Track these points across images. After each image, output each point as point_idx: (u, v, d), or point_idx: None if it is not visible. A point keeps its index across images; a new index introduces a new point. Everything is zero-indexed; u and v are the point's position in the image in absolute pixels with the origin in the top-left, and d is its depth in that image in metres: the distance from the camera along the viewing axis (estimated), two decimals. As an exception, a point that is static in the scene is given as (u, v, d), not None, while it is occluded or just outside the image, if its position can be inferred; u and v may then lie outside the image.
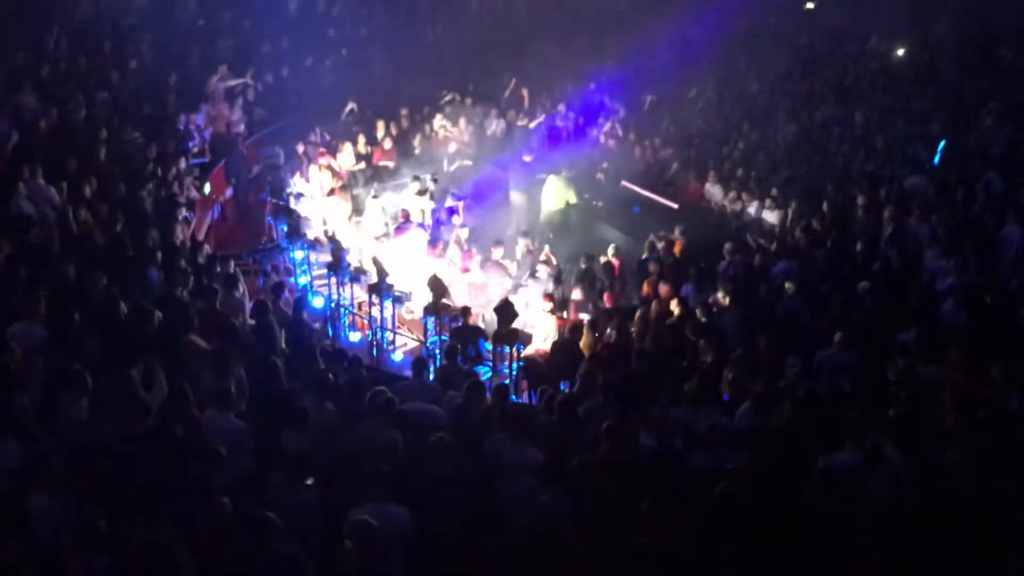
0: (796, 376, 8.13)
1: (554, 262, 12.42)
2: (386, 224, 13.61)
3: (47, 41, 14.01)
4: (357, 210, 14.28)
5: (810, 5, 20.70)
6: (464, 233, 13.34)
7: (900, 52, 19.11)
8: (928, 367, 8.01)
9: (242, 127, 15.75)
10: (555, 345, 10.26)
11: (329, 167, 14.96)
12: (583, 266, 12.02)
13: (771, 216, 13.16)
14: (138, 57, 15.45)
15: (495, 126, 16.93)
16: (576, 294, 11.71)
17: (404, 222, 13.19)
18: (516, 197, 14.78)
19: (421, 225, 13.26)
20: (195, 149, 14.45)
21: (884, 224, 11.68)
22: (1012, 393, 7.39)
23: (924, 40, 18.90)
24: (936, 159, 13.51)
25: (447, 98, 17.72)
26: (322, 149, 15.40)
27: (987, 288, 9.72)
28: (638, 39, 17.60)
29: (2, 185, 10.06)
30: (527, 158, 15.09)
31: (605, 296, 11.67)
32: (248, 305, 10.03)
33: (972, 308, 9.16)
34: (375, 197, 14.04)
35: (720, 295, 10.28)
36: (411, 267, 12.55)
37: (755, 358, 8.62)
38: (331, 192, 14.37)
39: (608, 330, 10.15)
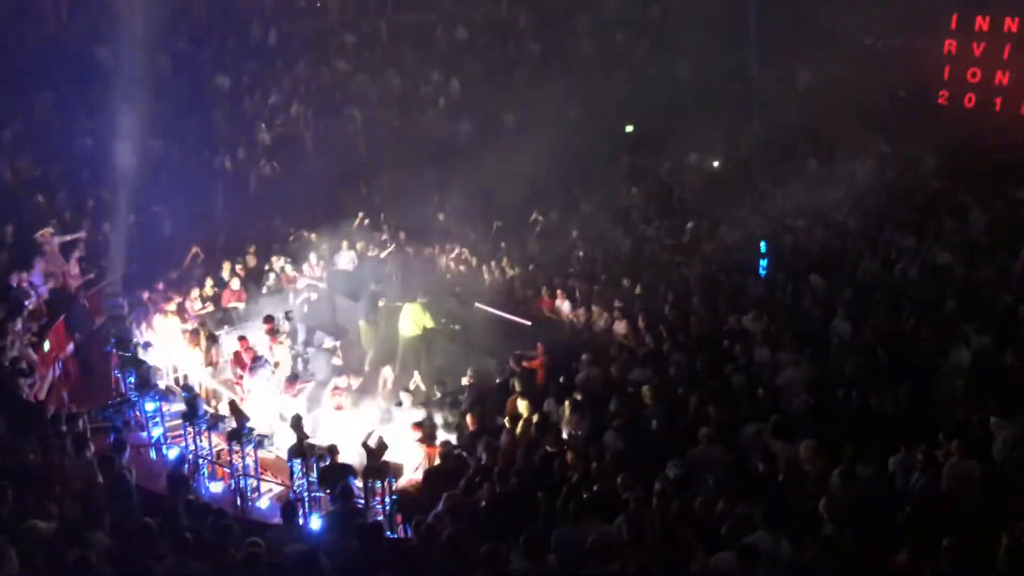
0: (675, 478, 8.41)
1: (423, 389, 12.53)
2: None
3: None
4: (210, 357, 14.02)
5: (629, 128, 22.29)
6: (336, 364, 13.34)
7: (716, 164, 20.82)
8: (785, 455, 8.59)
9: (78, 280, 15.27)
10: (427, 473, 10.28)
11: (177, 313, 14.67)
12: (439, 393, 12.20)
13: (620, 326, 13.77)
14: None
15: (346, 258, 17.12)
16: (439, 418, 11.83)
17: (256, 360, 13.06)
18: (364, 327, 14.90)
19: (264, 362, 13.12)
20: (30, 306, 13.83)
21: (725, 324, 12.52)
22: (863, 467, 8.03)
23: (736, 152, 20.68)
24: (763, 263, 14.64)
25: (293, 236, 17.88)
26: (169, 296, 15.08)
27: (822, 377, 10.55)
28: (475, 169, 18.51)
29: None
30: (373, 287, 15.30)
31: (469, 418, 11.80)
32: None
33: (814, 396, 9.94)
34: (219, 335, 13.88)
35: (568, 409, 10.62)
36: (267, 406, 12.39)
37: (624, 465, 8.91)
38: (182, 339, 14.07)
39: (479, 451, 10.27)
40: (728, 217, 17.06)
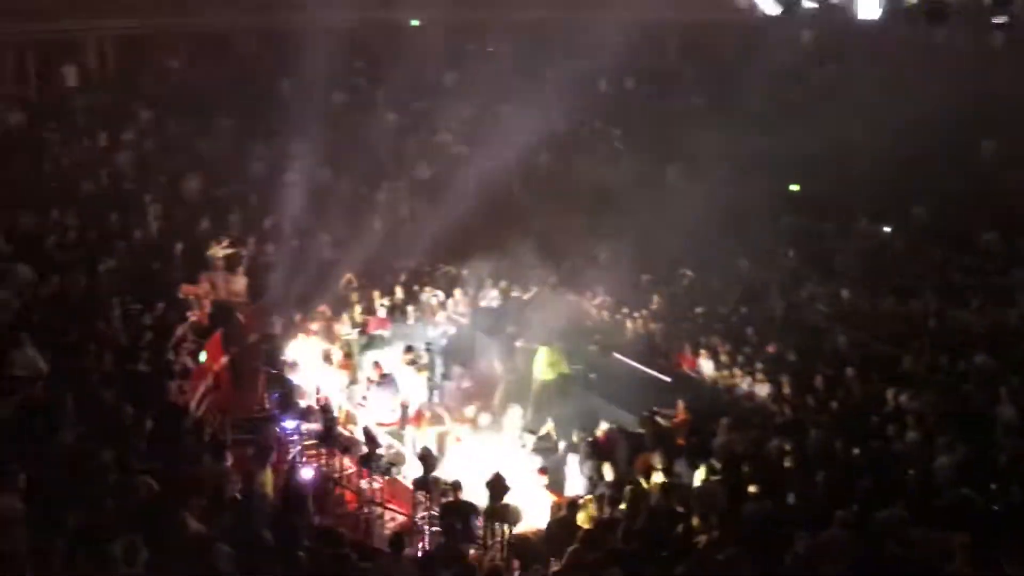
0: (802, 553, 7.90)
1: (553, 436, 12.36)
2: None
3: (53, 212, 14.54)
4: (353, 380, 14.40)
5: (795, 187, 21.48)
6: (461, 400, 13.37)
7: (886, 229, 19.70)
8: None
9: (240, 297, 16.06)
10: (551, 523, 10.05)
11: (324, 335, 15.15)
12: (576, 439, 11.93)
13: (762, 390, 13.19)
14: (144, 228, 15.94)
15: (490, 297, 17.26)
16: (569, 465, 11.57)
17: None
18: (498, 367, 14.90)
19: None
20: (193, 317, 14.62)
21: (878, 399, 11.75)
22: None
23: (907, 221, 19.55)
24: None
25: (443, 270, 18.21)
26: (318, 318, 15.61)
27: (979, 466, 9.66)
28: (630, 218, 18.31)
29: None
30: (510, 329, 15.32)
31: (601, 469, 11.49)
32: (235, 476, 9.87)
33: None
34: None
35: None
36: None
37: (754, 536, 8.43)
38: (327, 361, 14.51)
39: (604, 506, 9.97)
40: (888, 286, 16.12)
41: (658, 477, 10.27)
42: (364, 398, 13.75)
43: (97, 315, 12.17)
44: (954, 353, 12.95)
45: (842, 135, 21.51)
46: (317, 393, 14.11)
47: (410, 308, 16.58)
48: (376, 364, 14.00)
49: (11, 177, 17.18)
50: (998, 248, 17.53)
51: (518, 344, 15.20)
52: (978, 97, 19.83)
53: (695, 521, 8.85)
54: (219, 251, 16.33)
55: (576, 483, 11.28)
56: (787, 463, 9.94)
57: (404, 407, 13.39)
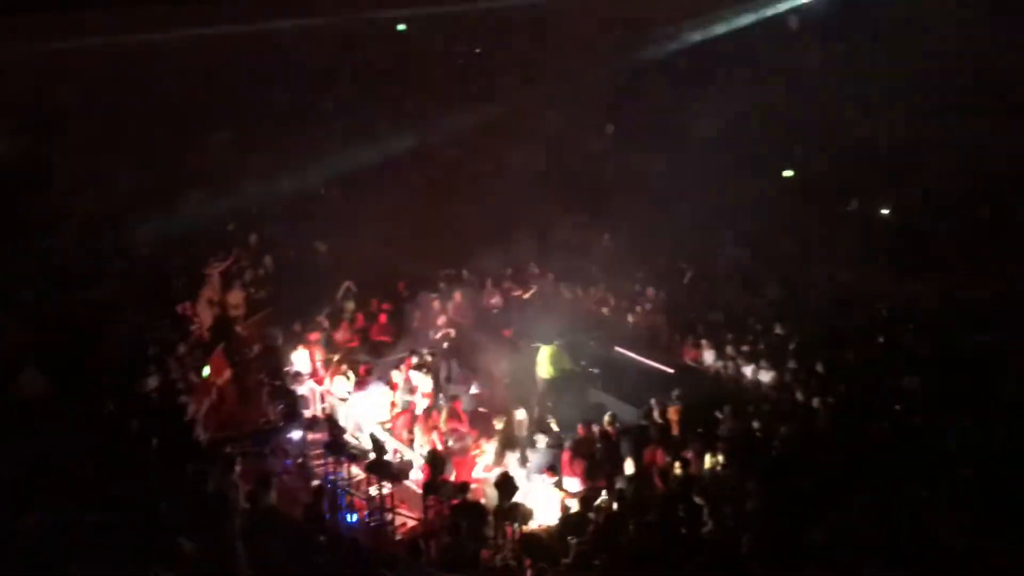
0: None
1: (556, 432, 12.37)
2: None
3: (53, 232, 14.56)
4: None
5: (788, 173, 21.50)
6: (466, 403, 13.35)
7: (883, 211, 19.73)
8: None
9: (242, 309, 16.07)
10: (563, 519, 10.09)
11: (325, 345, 15.16)
12: (581, 434, 11.95)
13: (766, 377, 13.21)
14: (140, 247, 15.96)
15: (492, 298, 17.29)
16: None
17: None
18: (501, 367, 14.92)
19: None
20: (195, 333, 14.64)
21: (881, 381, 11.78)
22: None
23: (906, 201, 19.58)
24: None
25: (443, 273, 18.22)
26: (318, 328, 15.61)
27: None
28: (627, 213, 18.35)
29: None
30: (512, 329, 15.35)
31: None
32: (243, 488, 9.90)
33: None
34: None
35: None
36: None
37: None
38: (329, 370, 14.52)
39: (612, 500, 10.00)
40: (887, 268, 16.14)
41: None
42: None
43: (100, 334, 12.16)
44: (956, 332, 12.95)
45: (833, 118, 21.58)
46: (322, 402, 14.16)
47: (413, 313, 16.57)
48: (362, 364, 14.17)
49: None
50: (991, 224, 17.54)
51: (520, 343, 15.24)
52: (966, 75, 19.83)
53: (706, 511, 8.88)
54: (216, 265, 16.34)
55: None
56: (794, 448, 9.94)
57: (412, 410, 13.40)
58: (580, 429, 11.98)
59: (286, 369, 14.39)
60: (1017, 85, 19.15)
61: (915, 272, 15.90)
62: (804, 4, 19.51)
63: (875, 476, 9.08)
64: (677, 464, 10.33)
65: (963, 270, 15.52)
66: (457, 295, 17.06)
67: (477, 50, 26.54)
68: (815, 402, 11.54)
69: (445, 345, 15.74)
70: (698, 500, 9.24)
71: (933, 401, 10.82)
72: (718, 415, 11.72)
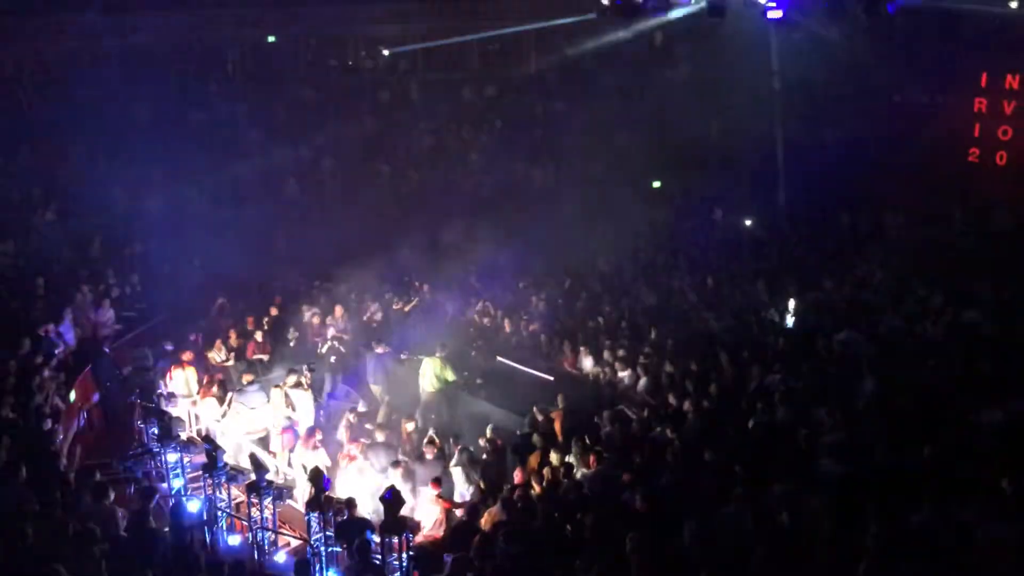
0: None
1: (437, 443, 12.41)
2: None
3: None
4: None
5: (657, 184, 22.31)
6: (353, 418, 13.21)
7: (748, 223, 20.66)
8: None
9: (108, 330, 15.47)
10: (454, 529, 10.15)
11: (196, 364, 14.74)
12: (460, 447, 12.05)
13: (642, 382, 13.62)
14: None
15: (371, 311, 17.20)
16: (457, 474, 11.67)
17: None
18: (382, 381, 14.88)
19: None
20: (59, 356, 14.00)
21: (750, 380, 12.34)
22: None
23: (767, 210, 20.58)
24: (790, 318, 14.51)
25: (317, 288, 18.00)
26: (191, 347, 15.16)
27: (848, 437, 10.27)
28: (503, 224, 18.61)
29: None
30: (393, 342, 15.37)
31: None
32: (120, 514, 9.55)
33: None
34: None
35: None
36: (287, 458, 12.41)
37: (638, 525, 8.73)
38: (202, 390, 14.13)
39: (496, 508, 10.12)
40: (755, 272, 16.95)
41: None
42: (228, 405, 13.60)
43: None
44: (816, 331, 13.69)
45: (699, 132, 22.51)
46: (196, 423, 13.76)
47: (290, 329, 16.32)
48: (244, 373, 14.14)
49: None
50: (852, 229, 18.67)
51: (402, 356, 15.23)
52: (830, 86, 21.08)
53: (587, 515, 9.11)
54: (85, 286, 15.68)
55: (464, 491, 11.40)
56: (670, 448, 10.31)
57: (293, 429, 13.20)
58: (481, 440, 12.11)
59: (159, 390, 13.90)
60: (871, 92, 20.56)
61: (779, 277, 16.73)
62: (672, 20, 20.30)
63: (744, 471, 9.52)
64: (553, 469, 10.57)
65: (825, 275, 16.42)
66: (338, 309, 16.89)
67: (350, 63, 26.46)
68: (686, 404, 11.97)
69: (332, 359, 15.56)
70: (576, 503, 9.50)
71: (796, 398, 11.40)
72: (597, 420, 12.01)
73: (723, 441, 10.50)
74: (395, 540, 9.97)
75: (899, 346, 12.85)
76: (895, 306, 14.43)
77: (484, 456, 11.87)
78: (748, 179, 21.20)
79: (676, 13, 18.98)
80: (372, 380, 15.00)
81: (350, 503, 10.31)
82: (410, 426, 12.99)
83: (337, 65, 26.28)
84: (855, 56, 20.13)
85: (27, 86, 22.13)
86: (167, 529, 9.69)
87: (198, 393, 14.19)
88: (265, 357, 15.63)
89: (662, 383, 13.14)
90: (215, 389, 13.94)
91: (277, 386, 13.88)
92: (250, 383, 14.04)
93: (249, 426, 13.37)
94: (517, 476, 11.11)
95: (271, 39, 25.00)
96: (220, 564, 8.66)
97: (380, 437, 12.59)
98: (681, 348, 14.11)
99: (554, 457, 10.83)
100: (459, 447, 12.08)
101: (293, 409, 13.49)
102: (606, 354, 14.48)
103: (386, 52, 24.44)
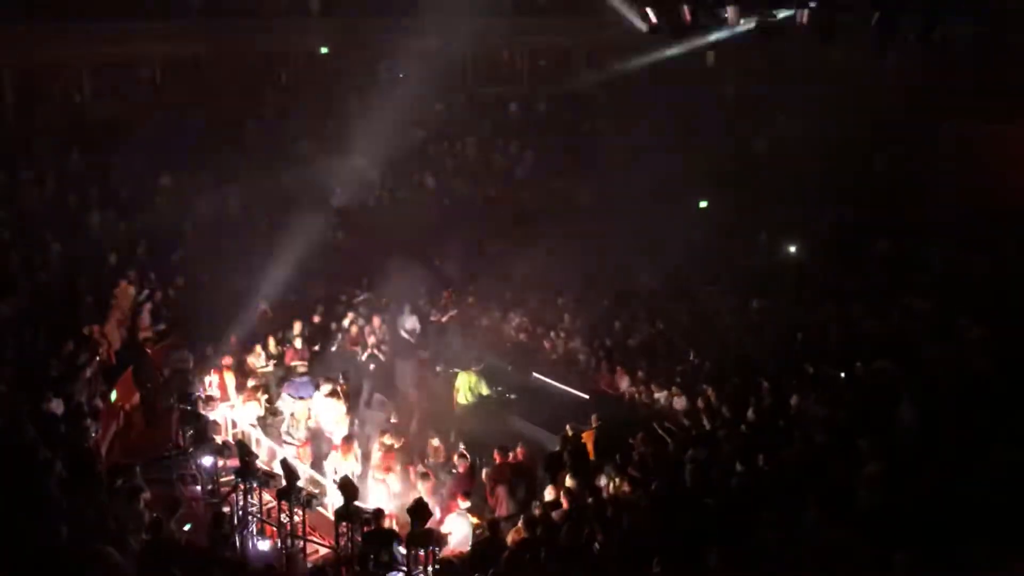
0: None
1: (468, 459, 12.38)
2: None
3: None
4: (271, 412, 14.20)
5: (703, 204, 22.07)
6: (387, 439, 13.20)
7: (792, 249, 20.32)
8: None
9: (151, 332, 15.71)
10: (476, 545, 10.09)
11: (237, 369, 14.90)
12: (497, 460, 11.99)
13: (679, 403, 13.48)
14: (47, 267, 15.50)
15: (409, 323, 17.26)
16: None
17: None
18: (414, 394, 14.89)
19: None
20: (102, 357, 14.23)
21: (791, 407, 12.12)
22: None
23: (806, 236, 20.25)
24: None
25: (361, 297, 18.11)
26: (230, 351, 15.32)
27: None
28: (546, 240, 18.57)
29: None
30: (429, 354, 15.36)
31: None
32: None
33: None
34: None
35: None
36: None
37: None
38: (246, 393, 14.29)
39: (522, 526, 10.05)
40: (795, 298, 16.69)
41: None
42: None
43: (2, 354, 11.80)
44: (855, 359, 13.41)
45: (746, 152, 22.29)
46: (232, 428, 13.90)
47: (329, 337, 16.43)
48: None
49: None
50: (892, 255, 18.29)
51: (438, 369, 15.26)
52: (870, 112, 20.74)
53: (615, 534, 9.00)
54: (127, 287, 15.95)
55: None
56: (703, 472, 10.15)
57: (328, 439, 13.29)
58: (496, 456, 12.04)
59: (196, 394, 14.08)
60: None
61: (821, 301, 16.45)
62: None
63: (781, 497, 9.33)
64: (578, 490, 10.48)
65: (866, 300, 16.11)
66: (376, 319, 16.98)
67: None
68: (723, 428, 11.80)
69: (371, 367, 15.63)
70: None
71: (836, 425, 11.16)
72: (631, 440, 11.89)
73: (757, 465, 10.33)
74: (420, 552, 9.96)
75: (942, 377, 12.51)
76: (940, 336, 14.07)
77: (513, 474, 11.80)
78: (796, 202, 20.89)
79: (725, 32, 18.77)
80: (411, 386, 15.05)
81: (378, 514, 10.31)
82: (435, 442, 12.98)
83: (388, 77, 26.48)
84: (908, 79, 19.81)
85: (84, 88, 22.65)
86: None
87: (239, 397, 14.36)
88: (303, 364, 15.73)
89: (698, 406, 12.97)
90: (259, 393, 14.13)
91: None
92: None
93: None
94: (549, 493, 11.04)
95: (324, 50, 25.28)
96: (247, 568, 8.69)
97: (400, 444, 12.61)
98: (719, 371, 13.92)
99: (569, 481, 10.72)
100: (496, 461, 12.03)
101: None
102: (642, 374, 14.35)
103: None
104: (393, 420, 13.92)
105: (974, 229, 18.35)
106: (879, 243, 18.99)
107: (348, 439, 13.08)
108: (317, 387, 14.03)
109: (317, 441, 13.50)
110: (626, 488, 10.49)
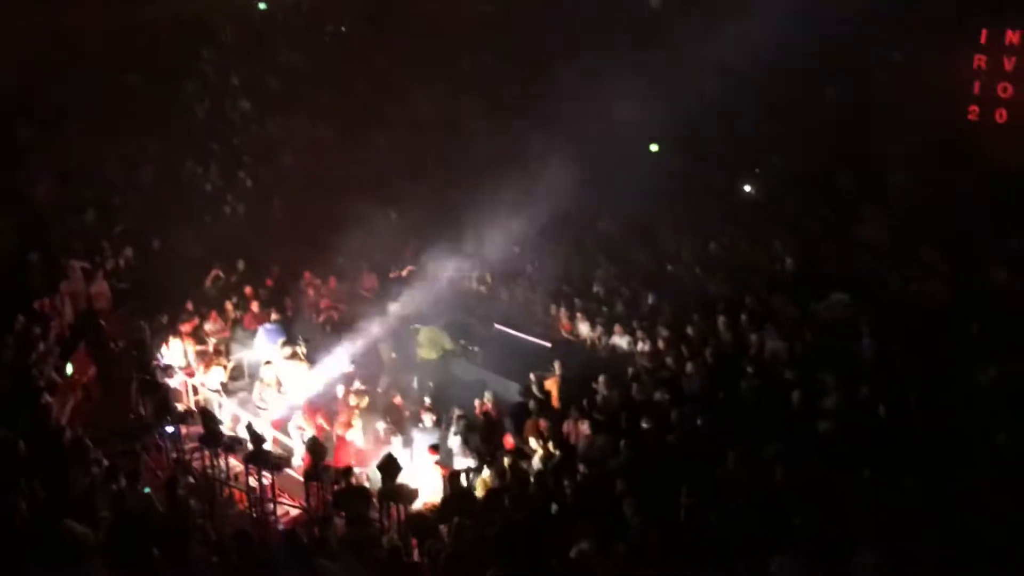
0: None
1: (435, 411, 12.42)
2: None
3: None
4: (232, 377, 14.10)
5: (654, 147, 22.00)
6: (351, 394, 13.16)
7: (747, 188, 20.39)
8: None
9: (103, 303, 15.40)
10: (445, 498, 10.17)
11: (194, 335, 14.71)
12: (458, 415, 12.04)
13: (641, 346, 13.57)
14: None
15: (367, 281, 17.13)
16: (454, 441, 11.68)
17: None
18: (384, 349, 14.83)
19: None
20: (55, 330, 13.94)
21: (750, 346, 12.26)
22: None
23: (766, 175, 20.32)
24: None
25: (315, 257, 17.89)
26: (188, 318, 15.11)
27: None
28: (499, 190, 18.40)
29: None
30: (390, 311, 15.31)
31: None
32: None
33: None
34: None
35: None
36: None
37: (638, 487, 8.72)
38: (201, 361, 14.14)
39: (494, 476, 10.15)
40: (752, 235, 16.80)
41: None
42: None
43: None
44: (813, 295, 13.55)
45: (695, 91, 22.16)
46: (194, 395, 13.77)
47: (289, 299, 16.26)
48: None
49: None
50: (851, 189, 18.44)
51: (399, 325, 15.19)
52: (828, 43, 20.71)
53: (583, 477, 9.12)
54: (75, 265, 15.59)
55: (464, 457, 11.42)
56: (669, 412, 10.27)
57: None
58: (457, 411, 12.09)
59: (155, 363, 13.90)
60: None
61: (778, 243, 16.57)
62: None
63: (745, 433, 9.49)
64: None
65: (825, 241, 16.26)
66: (331, 279, 16.81)
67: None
68: (687, 367, 11.92)
69: (328, 328, 15.52)
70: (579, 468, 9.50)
71: (797, 362, 11.33)
72: (594, 385, 11.98)
73: (719, 403, 10.49)
74: (392, 507, 10.03)
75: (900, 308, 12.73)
76: (897, 269, 14.27)
77: (481, 424, 11.88)
78: (748, 141, 20.92)
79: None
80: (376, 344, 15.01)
81: (347, 472, 10.33)
82: (397, 398, 12.99)
83: (332, 30, 25.95)
84: (852, 13, 19.77)
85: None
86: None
87: (199, 364, 14.21)
88: (263, 328, 15.52)
89: (660, 348, 13.07)
90: (221, 358, 14.01)
91: (267, 362, 13.90)
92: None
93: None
94: (508, 442, 11.14)
95: (262, 6, 24.68)
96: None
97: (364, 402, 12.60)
98: (678, 313, 14.01)
99: (540, 426, 10.80)
100: (457, 414, 12.10)
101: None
102: (600, 320, 14.42)
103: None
104: (357, 383, 13.87)
105: (925, 161, 18.56)
106: (838, 177, 19.12)
107: (311, 401, 13.07)
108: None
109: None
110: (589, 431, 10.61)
